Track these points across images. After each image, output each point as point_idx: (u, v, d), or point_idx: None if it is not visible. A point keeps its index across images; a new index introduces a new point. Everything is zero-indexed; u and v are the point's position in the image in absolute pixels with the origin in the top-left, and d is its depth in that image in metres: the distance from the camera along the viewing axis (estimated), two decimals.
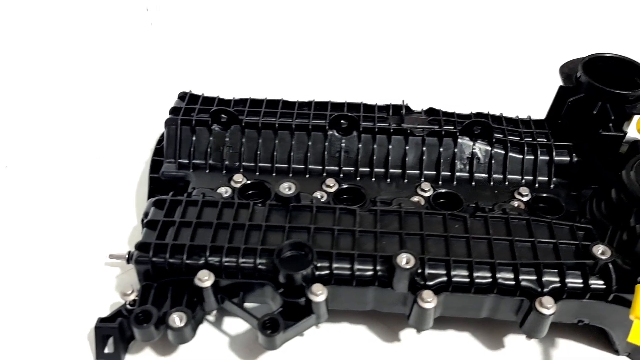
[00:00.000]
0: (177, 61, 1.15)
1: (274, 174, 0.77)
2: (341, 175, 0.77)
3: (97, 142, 0.96)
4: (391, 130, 0.76)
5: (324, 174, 0.76)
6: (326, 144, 0.77)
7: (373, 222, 0.67)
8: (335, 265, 0.62)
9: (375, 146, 0.77)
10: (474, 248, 0.64)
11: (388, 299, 0.63)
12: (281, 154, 0.77)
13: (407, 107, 0.80)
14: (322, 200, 0.72)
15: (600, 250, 0.61)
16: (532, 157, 0.76)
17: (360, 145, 0.77)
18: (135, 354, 0.67)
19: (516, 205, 0.71)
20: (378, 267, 0.62)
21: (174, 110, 0.80)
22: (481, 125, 0.76)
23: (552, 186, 0.75)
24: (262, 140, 0.77)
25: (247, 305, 0.66)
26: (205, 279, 0.61)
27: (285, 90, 0.86)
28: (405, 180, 0.76)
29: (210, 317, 0.70)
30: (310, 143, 0.77)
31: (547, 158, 0.75)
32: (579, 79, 0.73)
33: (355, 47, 1.19)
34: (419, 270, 0.61)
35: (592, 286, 0.61)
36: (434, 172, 0.76)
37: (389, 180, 0.76)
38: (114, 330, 0.64)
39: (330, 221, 0.67)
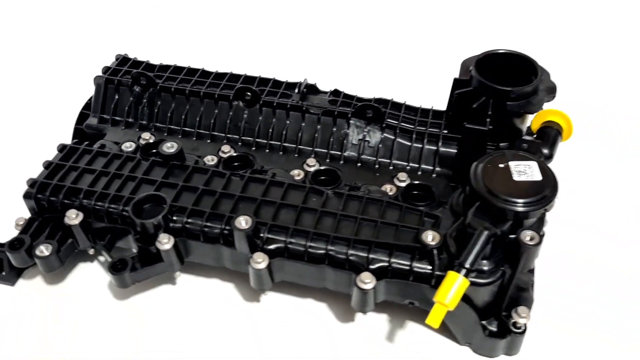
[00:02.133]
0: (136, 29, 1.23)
1: (179, 136, 0.83)
2: (239, 143, 0.82)
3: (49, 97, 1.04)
4: (288, 107, 0.80)
5: (224, 141, 0.82)
6: (230, 113, 0.82)
7: (239, 187, 0.71)
8: (188, 220, 0.68)
9: (274, 120, 0.81)
10: (321, 221, 0.67)
11: (235, 258, 0.68)
12: (191, 118, 0.83)
13: (313, 87, 0.83)
14: (212, 163, 0.78)
15: (430, 237, 0.63)
16: (420, 145, 0.77)
17: (260, 118, 0.81)
18: (29, 279, 0.76)
19: (389, 189, 0.73)
20: (226, 227, 0.67)
21: (106, 70, 0.88)
22: (372, 109, 0.78)
23: (434, 175, 0.76)
24: (175, 104, 0.84)
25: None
26: (73, 217, 0.69)
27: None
28: (296, 155, 0.80)
29: (101, 258, 0.77)
30: (216, 111, 0.83)
31: (434, 148, 0.77)
32: (470, 72, 0.74)
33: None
34: (262, 235, 0.66)
35: (415, 269, 0.63)
36: (325, 150, 0.79)
37: (281, 152, 0.80)
38: (4, 254, 0.73)
39: (201, 181, 0.72)
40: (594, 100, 1.06)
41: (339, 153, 0.79)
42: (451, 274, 0.59)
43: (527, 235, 0.60)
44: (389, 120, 0.78)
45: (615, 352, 0.70)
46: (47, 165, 0.75)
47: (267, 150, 0.81)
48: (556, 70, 1.09)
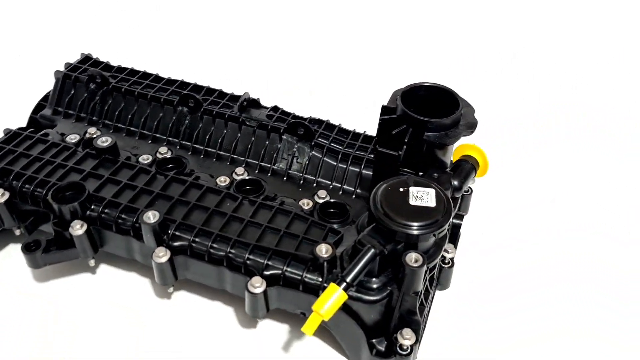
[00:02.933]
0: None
1: (123, 134, 0.87)
2: (178, 147, 0.85)
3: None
4: (226, 116, 0.84)
5: (165, 143, 0.85)
6: (174, 117, 0.86)
7: (160, 185, 0.75)
8: (105, 210, 0.71)
9: (213, 128, 0.84)
10: (229, 224, 0.70)
11: (144, 251, 0.71)
12: (137, 119, 0.87)
13: (256, 101, 0.87)
14: (146, 162, 0.81)
15: (323, 250, 0.65)
16: (344, 166, 0.80)
17: (200, 125, 0.85)
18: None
19: (306, 203, 0.76)
20: (137, 220, 0.70)
21: (67, 66, 0.92)
22: (304, 127, 0.81)
23: (354, 196, 0.79)
24: (124, 104, 0.88)
25: None
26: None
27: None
28: (228, 163, 0.83)
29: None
30: (161, 114, 0.86)
31: (358, 170, 0.79)
32: (396, 101, 0.77)
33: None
34: (169, 231, 0.69)
35: (306, 279, 0.65)
36: (256, 161, 0.82)
37: (214, 159, 0.83)
38: None
39: (126, 176, 0.75)
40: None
41: (269, 165, 0.82)
42: (332, 286, 0.60)
43: (412, 257, 0.62)
44: (319, 139, 0.81)
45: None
46: None
47: (202, 156, 0.84)
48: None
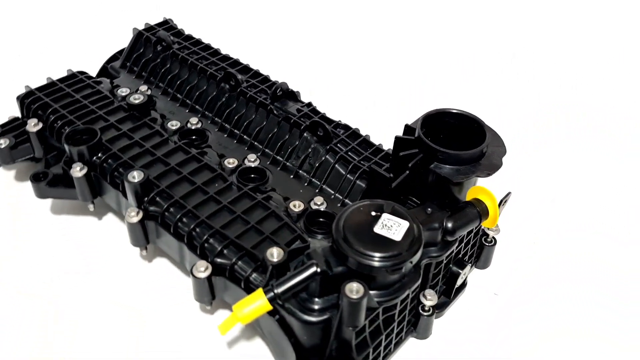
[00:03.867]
0: None
1: (169, 98, 0.90)
2: (209, 121, 0.86)
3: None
4: (257, 102, 0.83)
5: (199, 115, 0.87)
6: (215, 92, 0.87)
7: (165, 150, 0.76)
8: (108, 160, 0.74)
9: (244, 110, 0.84)
10: (206, 204, 0.69)
11: (126, 207, 0.73)
12: (184, 86, 0.90)
13: (293, 93, 0.85)
14: (173, 128, 0.83)
15: (274, 253, 0.61)
16: (352, 178, 0.74)
17: (235, 104, 0.85)
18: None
19: (297, 205, 0.72)
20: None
21: (146, 26, 0.98)
22: (323, 129, 0.77)
23: None
24: (178, 70, 0.91)
25: None
26: (32, 125, 0.79)
27: None
28: (246, 148, 0.82)
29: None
30: (205, 87, 0.88)
31: (363, 185, 0.74)
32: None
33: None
34: (151, 194, 0.70)
35: (250, 278, 0.62)
36: (272, 152, 0.80)
37: (235, 140, 0.83)
38: None
39: (141, 134, 0.78)
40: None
41: (281, 159, 0.79)
42: (259, 292, 0.57)
43: (352, 288, 0.55)
44: (338, 145, 0.77)
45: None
46: (49, 82, 0.86)
47: (226, 135, 0.84)
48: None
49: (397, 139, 0.70)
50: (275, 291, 0.56)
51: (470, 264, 0.74)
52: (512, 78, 1.13)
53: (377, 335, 0.62)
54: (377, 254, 0.56)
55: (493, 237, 0.77)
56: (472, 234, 0.73)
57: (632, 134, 1.00)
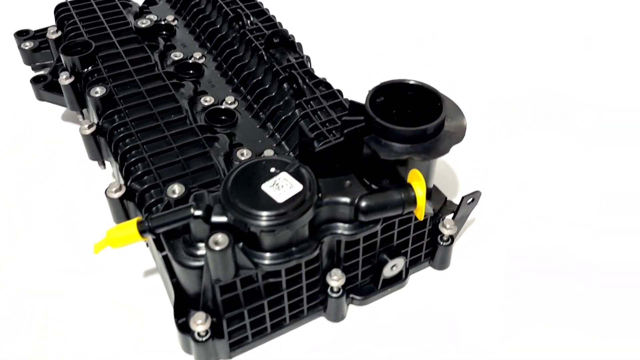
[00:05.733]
0: None
1: (187, 31, 0.92)
2: (211, 59, 0.86)
3: None
4: (253, 45, 0.80)
5: (206, 51, 0.87)
6: (225, 31, 0.87)
7: (145, 76, 0.77)
8: (92, 73, 0.77)
9: (242, 53, 0.82)
10: (152, 132, 0.69)
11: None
12: (202, 21, 0.90)
13: (293, 43, 0.81)
14: (176, 58, 0.84)
15: (176, 190, 0.59)
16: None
17: (237, 45, 0.84)
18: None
19: (243, 154, 0.69)
20: None
21: None
22: (296, 84, 0.72)
23: None
24: (204, 5, 0.92)
25: None
26: (52, 32, 0.85)
27: None
28: (231, 89, 0.80)
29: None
30: (219, 25, 0.88)
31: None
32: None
33: None
34: (108, 112, 0.72)
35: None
36: (250, 97, 0.78)
37: (225, 81, 0.82)
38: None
39: (132, 55, 0.80)
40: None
41: (255, 107, 0.76)
42: (134, 221, 0.56)
43: (216, 238, 0.52)
44: (311, 102, 0.72)
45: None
46: None
47: (220, 75, 0.83)
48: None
49: (351, 103, 0.64)
50: (148, 224, 0.55)
51: (405, 257, 0.66)
52: (476, 65, 1.11)
53: (255, 299, 0.58)
54: (253, 211, 0.52)
55: (450, 236, 0.68)
56: (412, 225, 0.65)
57: (599, 123, 0.97)
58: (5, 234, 0.78)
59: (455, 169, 0.86)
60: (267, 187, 0.54)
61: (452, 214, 0.68)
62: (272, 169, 0.56)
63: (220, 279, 0.55)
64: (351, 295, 0.66)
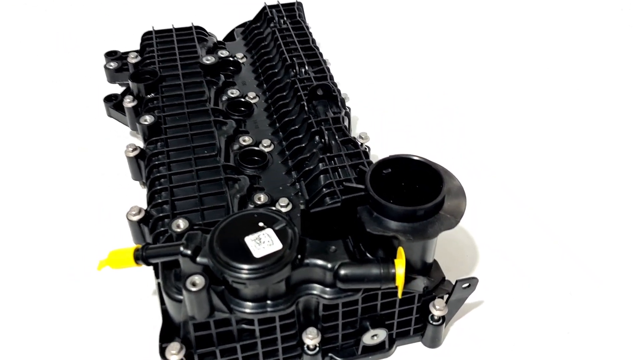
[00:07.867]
0: None
1: (252, 70, 0.98)
2: (264, 100, 0.91)
3: None
4: (298, 95, 0.84)
5: (261, 92, 0.93)
6: (279, 77, 0.92)
7: (196, 113, 0.83)
8: (152, 101, 0.85)
9: (289, 100, 0.87)
10: (184, 164, 0.75)
11: None
12: (266, 68, 0.95)
13: (335, 96, 0.83)
14: (232, 95, 0.89)
15: (180, 225, 0.63)
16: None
17: (285, 92, 0.88)
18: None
19: (260, 198, 0.72)
20: None
21: (271, 6, 1.06)
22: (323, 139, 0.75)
23: None
24: (271, 47, 0.98)
25: None
26: (132, 57, 0.95)
27: None
28: (271, 133, 0.85)
29: None
30: (277, 70, 0.93)
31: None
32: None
33: None
34: (152, 139, 0.79)
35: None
36: (284, 143, 0.82)
37: (269, 123, 0.86)
38: None
39: (189, 92, 0.87)
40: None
41: (287, 153, 0.80)
42: (133, 247, 0.61)
43: (193, 279, 0.56)
44: (334, 159, 0.74)
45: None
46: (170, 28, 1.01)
47: (266, 116, 0.88)
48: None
49: (359, 171, 0.66)
50: (143, 253, 0.60)
51: (388, 329, 0.66)
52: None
53: (228, 341, 0.61)
54: (229, 261, 0.56)
55: (441, 317, 0.67)
56: (398, 300, 0.64)
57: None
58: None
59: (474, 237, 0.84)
60: (249, 240, 0.57)
61: (447, 295, 0.67)
62: (261, 224, 0.59)
63: (195, 317, 0.58)
64: (330, 354, 0.67)
